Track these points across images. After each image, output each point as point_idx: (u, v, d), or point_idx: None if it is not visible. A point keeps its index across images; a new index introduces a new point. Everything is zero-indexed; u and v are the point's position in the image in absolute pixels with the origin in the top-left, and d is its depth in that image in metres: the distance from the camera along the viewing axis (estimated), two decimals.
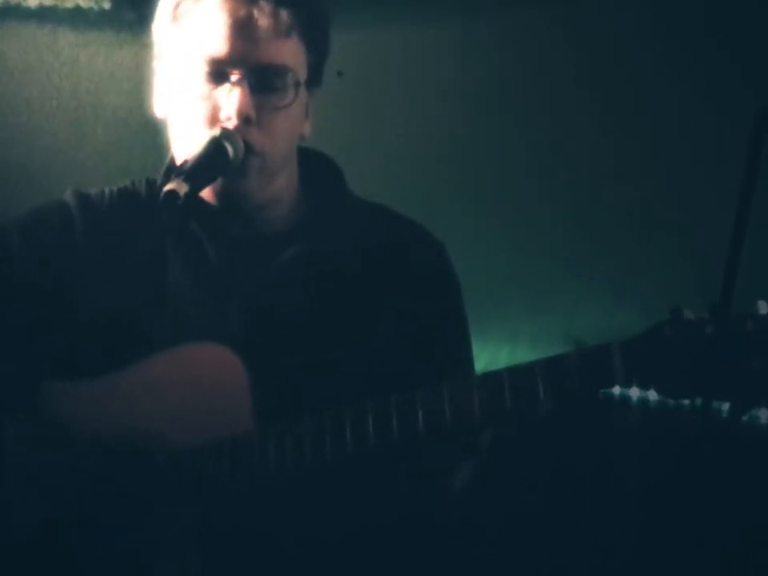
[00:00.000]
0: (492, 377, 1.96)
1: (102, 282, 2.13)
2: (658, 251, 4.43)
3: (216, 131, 2.09)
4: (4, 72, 4.21)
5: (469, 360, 2.26)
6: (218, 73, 2.09)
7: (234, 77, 2.07)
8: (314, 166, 2.26)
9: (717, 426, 1.77)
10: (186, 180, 2.00)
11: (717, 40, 3.93)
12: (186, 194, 1.98)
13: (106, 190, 2.24)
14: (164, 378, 2.07)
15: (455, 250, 2.33)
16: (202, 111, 2.10)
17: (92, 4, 4.19)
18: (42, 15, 4.20)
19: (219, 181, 2.10)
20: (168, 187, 1.99)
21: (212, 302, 2.13)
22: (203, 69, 2.09)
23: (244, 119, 2.07)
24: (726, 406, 1.89)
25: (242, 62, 2.08)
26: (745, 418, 1.97)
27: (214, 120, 2.09)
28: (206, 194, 2.13)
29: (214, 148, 2.07)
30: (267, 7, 2.08)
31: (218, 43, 2.08)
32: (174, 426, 2.03)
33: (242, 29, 2.08)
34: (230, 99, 2.07)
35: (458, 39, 4.12)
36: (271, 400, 2.03)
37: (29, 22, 4.21)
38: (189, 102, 2.11)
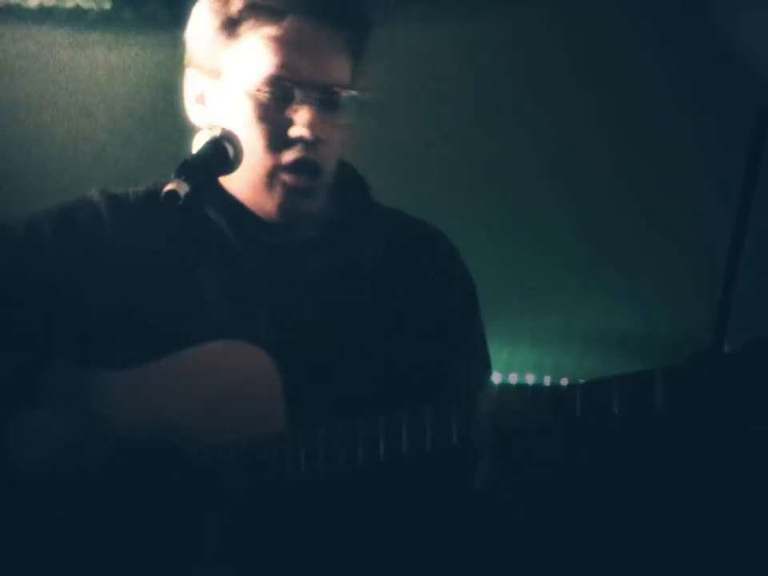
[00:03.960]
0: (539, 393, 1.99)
1: (130, 279, 2.14)
2: (658, 251, 4.43)
3: (216, 131, 2.10)
4: (4, 72, 4.21)
5: (486, 360, 2.28)
6: (284, 93, 2.12)
7: (302, 97, 2.11)
8: (338, 172, 2.28)
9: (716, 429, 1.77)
10: (187, 180, 2.01)
11: (717, 40, 3.93)
12: (187, 194, 1.99)
13: (130, 191, 2.25)
14: (196, 373, 2.09)
15: None
16: (268, 132, 2.12)
17: (92, 4, 4.20)
18: (42, 15, 4.20)
19: (283, 198, 2.14)
20: (168, 187, 2.00)
21: (241, 306, 2.15)
22: (270, 89, 2.12)
23: (316, 139, 2.10)
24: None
25: (309, 82, 2.12)
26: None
27: (283, 140, 2.11)
28: (264, 208, 2.15)
29: (214, 148, 2.08)
30: (327, 27, 2.13)
31: (285, 64, 2.12)
32: (204, 423, 2.05)
33: (307, 49, 2.12)
34: (300, 119, 2.11)
35: (458, 39, 4.12)
36: (303, 402, 2.05)
37: (29, 22, 4.22)
38: (253, 122, 2.13)
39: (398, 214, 2.30)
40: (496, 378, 4.88)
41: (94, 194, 2.24)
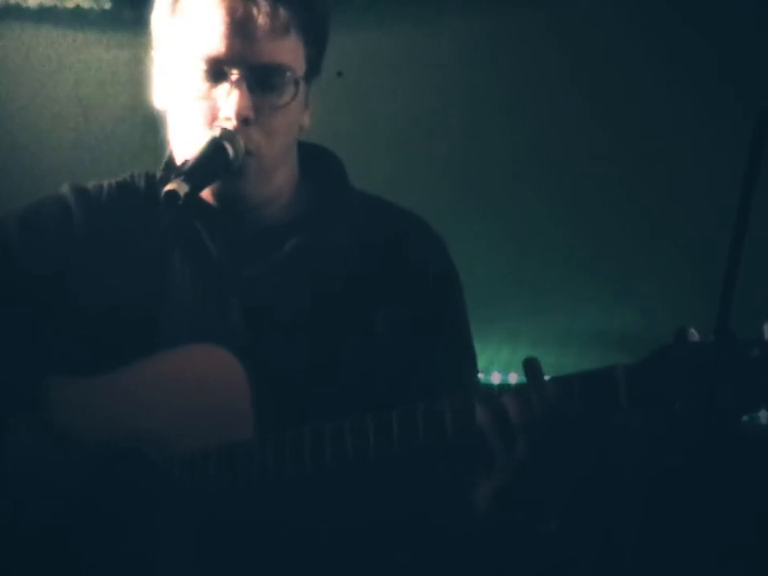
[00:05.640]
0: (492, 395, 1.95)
1: (101, 276, 2.12)
2: (658, 251, 4.43)
3: (216, 131, 2.08)
4: (4, 72, 4.21)
5: (470, 353, 2.23)
6: (217, 72, 2.08)
7: (233, 76, 2.06)
8: (315, 159, 2.25)
9: (716, 426, 1.77)
10: (187, 180, 1.99)
11: (716, 40, 3.93)
12: (187, 194, 1.98)
13: (104, 183, 2.23)
14: (164, 379, 2.06)
15: (455, 249, 2.32)
16: (201, 110, 2.09)
17: (92, 4, 4.20)
18: (42, 15, 4.20)
19: (217, 182, 2.09)
20: (168, 187, 1.98)
21: (213, 297, 2.12)
22: (201, 67, 2.07)
23: (243, 120, 2.06)
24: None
25: (241, 61, 2.06)
26: (745, 417, 1.96)
27: (212, 120, 2.08)
28: (205, 194, 2.13)
29: (215, 148, 2.06)
30: (265, 5, 2.05)
31: (216, 42, 2.06)
32: (173, 428, 2.02)
33: (240, 28, 2.05)
34: (229, 99, 2.06)
35: (458, 39, 4.12)
36: (272, 401, 2.02)
37: (29, 22, 4.21)
38: (187, 99, 2.10)
39: (380, 202, 2.25)
40: (496, 377, 4.89)
41: (63, 188, 2.22)
